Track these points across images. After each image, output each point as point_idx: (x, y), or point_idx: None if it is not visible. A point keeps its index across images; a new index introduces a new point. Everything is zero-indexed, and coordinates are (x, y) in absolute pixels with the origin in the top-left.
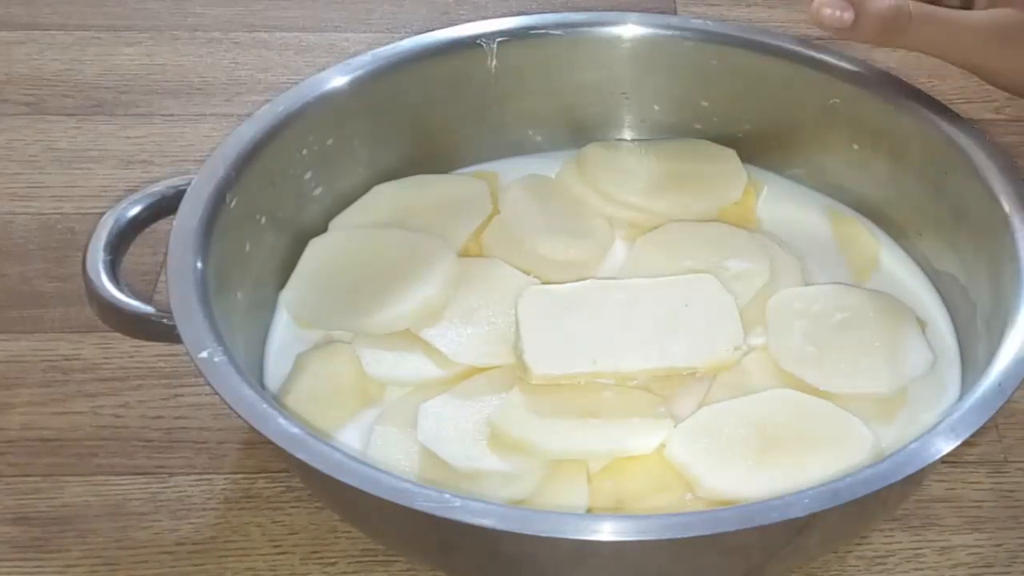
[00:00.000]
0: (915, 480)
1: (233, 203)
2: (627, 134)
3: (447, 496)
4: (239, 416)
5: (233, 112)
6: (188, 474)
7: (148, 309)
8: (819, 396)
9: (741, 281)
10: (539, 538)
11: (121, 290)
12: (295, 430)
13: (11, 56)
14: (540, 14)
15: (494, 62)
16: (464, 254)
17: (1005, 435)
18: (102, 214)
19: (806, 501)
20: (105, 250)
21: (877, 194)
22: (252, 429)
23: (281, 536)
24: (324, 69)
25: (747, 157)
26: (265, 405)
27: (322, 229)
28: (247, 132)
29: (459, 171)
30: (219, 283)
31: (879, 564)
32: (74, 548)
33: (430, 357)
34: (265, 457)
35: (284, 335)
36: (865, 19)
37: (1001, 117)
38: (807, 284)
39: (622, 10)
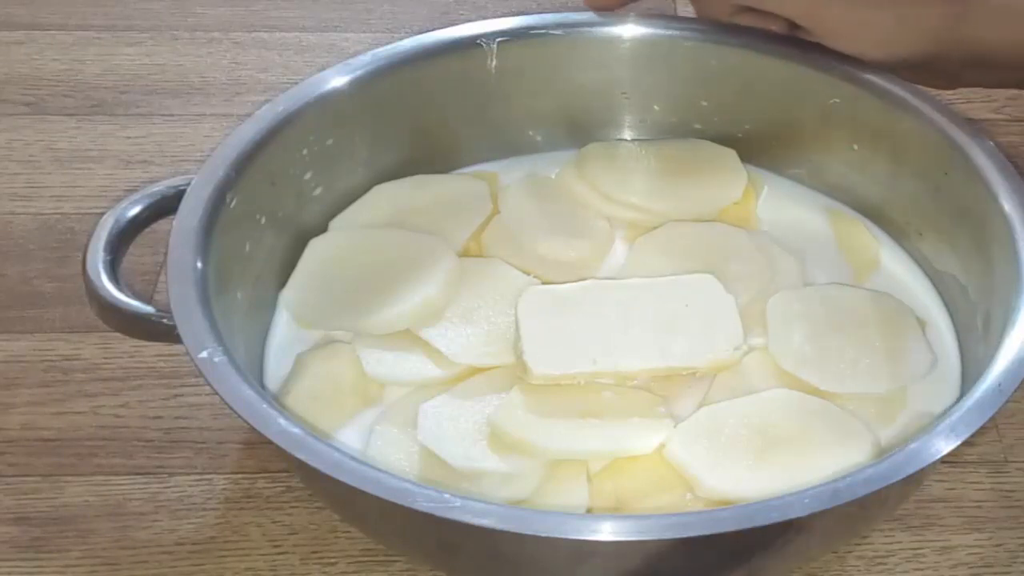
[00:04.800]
0: (915, 480)
1: (233, 203)
2: (627, 134)
3: (447, 496)
4: (239, 416)
5: (233, 112)
6: (188, 474)
7: (148, 309)
8: (819, 396)
9: (741, 281)
10: (539, 538)
11: (121, 290)
12: (295, 430)
13: (11, 56)
14: (540, 14)
15: (494, 62)
16: (464, 254)
17: (1005, 435)
18: (102, 214)
19: (806, 501)
20: (105, 250)
21: (877, 194)
22: (252, 429)
23: (281, 536)
24: (324, 69)
25: (747, 157)
26: (265, 405)
27: (322, 229)
28: (247, 132)
29: (459, 171)
30: (219, 283)
31: (879, 564)
32: (74, 548)
33: (430, 357)
34: (265, 457)
35: (284, 335)
36: None
37: (1001, 117)
38: (807, 284)
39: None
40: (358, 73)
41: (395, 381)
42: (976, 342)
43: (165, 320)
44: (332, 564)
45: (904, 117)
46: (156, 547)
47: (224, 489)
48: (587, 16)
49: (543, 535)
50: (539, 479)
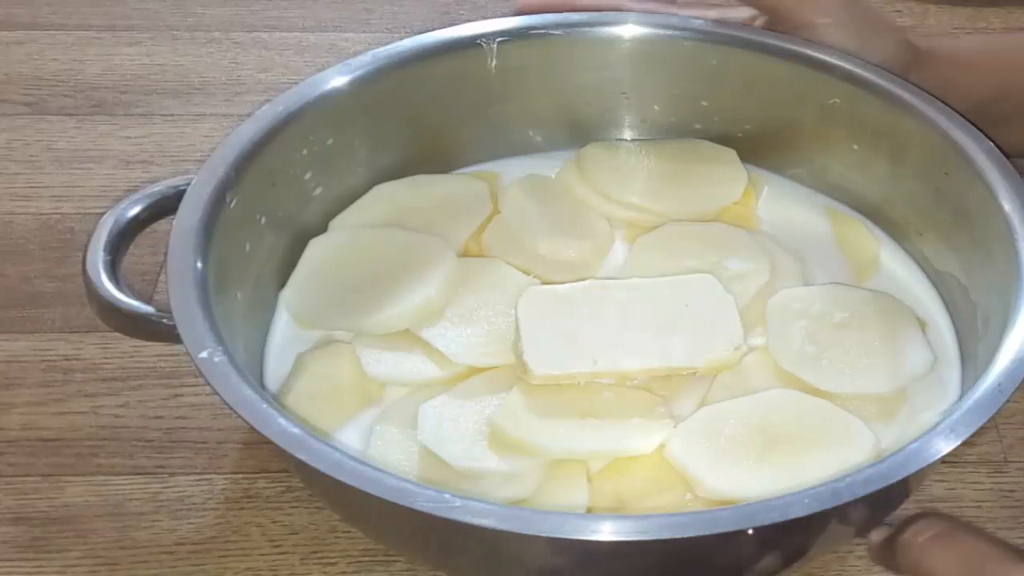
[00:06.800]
0: (915, 480)
1: (233, 203)
2: (627, 134)
3: (447, 496)
4: (239, 416)
5: (233, 112)
6: (188, 474)
7: (148, 309)
8: (819, 396)
9: (741, 281)
10: (539, 538)
11: (121, 290)
12: (295, 430)
13: (11, 56)
14: (540, 14)
15: (494, 62)
16: (464, 254)
17: (1005, 435)
18: (102, 214)
19: (806, 501)
20: (105, 250)
21: (877, 194)
22: (252, 429)
23: (281, 536)
24: (324, 69)
25: (747, 157)
26: (265, 405)
27: (322, 229)
28: (247, 132)
29: (459, 171)
30: (219, 283)
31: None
32: (74, 548)
33: (430, 357)
34: (265, 457)
35: (284, 335)
36: None
37: None
38: (807, 284)
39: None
40: (358, 73)
41: (395, 381)
42: (976, 342)
43: (165, 320)
44: (332, 564)
45: (904, 117)
46: (156, 547)
47: (224, 489)
48: (587, 16)
49: (543, 535)
50: (539, 479)
